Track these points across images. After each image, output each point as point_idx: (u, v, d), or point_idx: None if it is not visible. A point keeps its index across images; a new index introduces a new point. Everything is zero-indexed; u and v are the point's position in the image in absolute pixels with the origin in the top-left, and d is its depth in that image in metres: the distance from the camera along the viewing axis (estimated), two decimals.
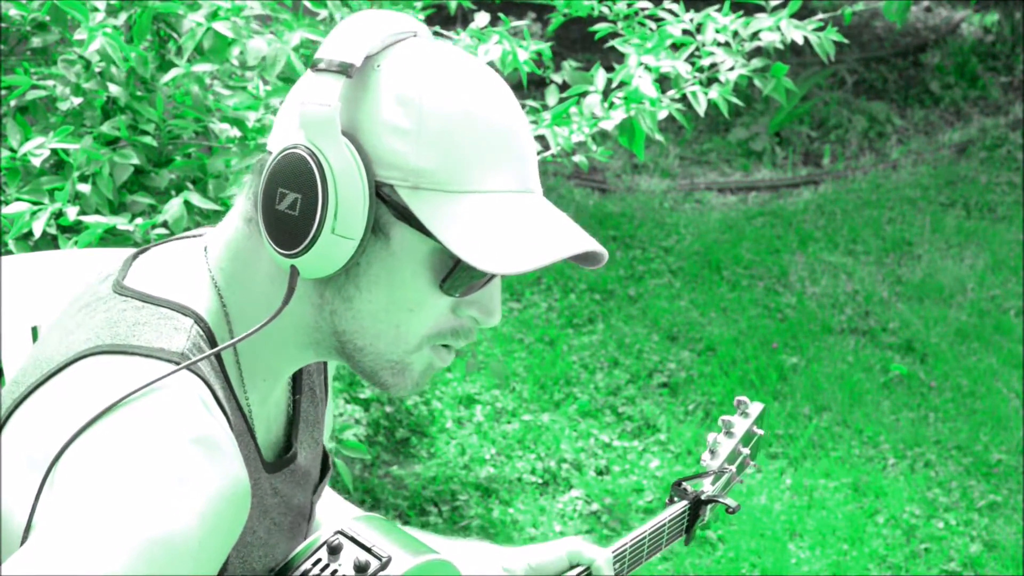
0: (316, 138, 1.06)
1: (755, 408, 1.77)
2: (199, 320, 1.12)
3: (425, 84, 1.08)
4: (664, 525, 1.60)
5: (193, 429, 1.02)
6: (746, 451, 1.72)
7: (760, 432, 1.77)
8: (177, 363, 1.06)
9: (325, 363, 1.37)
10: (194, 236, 1.23)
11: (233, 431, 1.09)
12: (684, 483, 1.64)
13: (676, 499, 1.63)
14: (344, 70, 1.06)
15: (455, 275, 1.10)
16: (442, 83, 1.09)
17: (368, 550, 1.20)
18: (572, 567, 1.49)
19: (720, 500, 1.63)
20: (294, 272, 1.09)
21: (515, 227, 1.08)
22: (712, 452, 1.68)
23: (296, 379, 1.30)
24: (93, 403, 1.02)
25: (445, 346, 1.16)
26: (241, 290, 1.15)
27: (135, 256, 1.20)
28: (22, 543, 1.00)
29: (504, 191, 1.09)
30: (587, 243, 1.11)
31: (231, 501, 1.01)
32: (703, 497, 1.63)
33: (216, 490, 0.99)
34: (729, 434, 1.71)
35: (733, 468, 1.68)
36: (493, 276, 1.13)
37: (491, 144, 1.09)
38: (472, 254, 1.06)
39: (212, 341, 1.12)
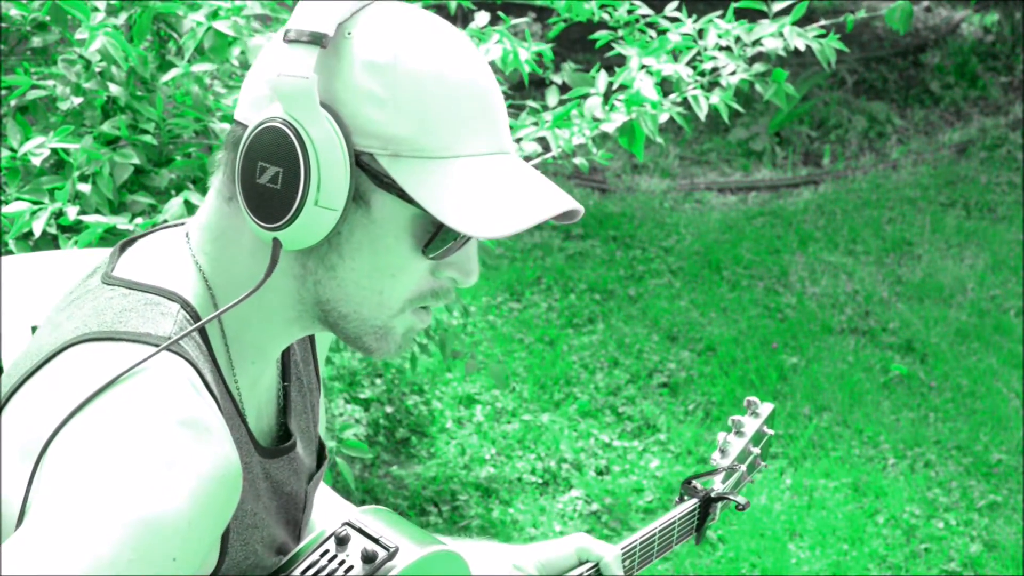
0: (295, 110, 1.06)
1: (765, 408, 1.76)
2: (185, 305, 1.13)
3: (397, 50, 1.08)
4: (674, 523, 1.60)
5: (181, 411, 1.02)
6: (756, 451, 1.71)
7: (771, 432, 1.76)
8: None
9: (314, 353, 1.37)
10: (176, 224, 1.24)
11: (223, 414, 1.09)
12: (694, 481, 1.63)
13: (686, 497, 1.62)
14: (317, 40, 1.06)
15: (438, 239, 1.11)
16: (414, 48, 1.09)
17: (376, 541, 1.21)
18: (581, 563, 1.49)
19: (730, 497, 1.62)
20: (277, 244, 1.09)
21: (497, 190, 1.09)
22: (722, 451, 1.67)
23: (284, 368, 1.30)
24: (81, 389, 1.03)
25: (423, 308, 1.17)
26: (225, 270, 1.15)
27: (122, 248, 1.21)
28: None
29: (482, 154, 1.10)
30: (566, 202, 1.12)
31: (221, 482, 1.01)
32: (713, 495, 1.62)
33: (206, 471, 1.00)
34: (739, 433, 1.70)
35: (743, 467, 1.67)
36: (470, 237, 1.14)
37: (466, 108, 1.09)
38: (460, 221, 1.06)
39: None
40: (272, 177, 1.07)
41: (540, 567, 1.49)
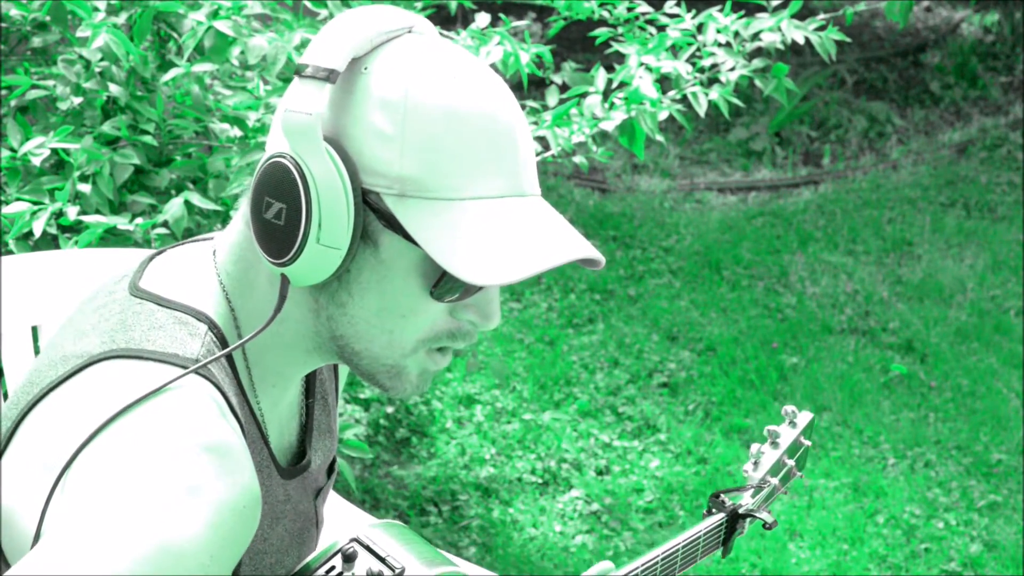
0: (299, 147, 1.04)
1: (803, 418, 1.72)
2: (212, 325, 1.12)
3: (410, 87, 1.06)
4: (699, 538, 1.56)
5: (206, 436, 1.01)
6: (791, 462, 1.67)
7: (807, 443, 1.71)
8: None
9: (336, 372, 1.36)
10: (207, 239, 1.23)
11: (246, 437, 1.08)
12: (722, 495, 1.60)
13: (714, 511, 1.60)
14: (327, 76, 1.04)
15: (444, 283, 1.08)
16: (428, 85, 1.06)
17: (382, 560, 1.19)
18: None
19: (757, 515, 1.59)
20: (284, 280, 1.09)
21: (503, 235, 1.06)
22: (755, 463, 1.62)
23: (309, 386, 1.29)
24: (106, 408, 1.02)
25: (440, 349, 1.15)
26: (246, 294, 1.14)
27: (151, 258, 1.20)
28: (33, 547, 1.00)
29: (494, 196, 1.07)
30: (576, 250, 1.08)
31: (241, 511, 1.01)
32: (740, 511, 1.60)
33: (227, 500, 0.99)
34: (774, 444, 1.65)
35: (776, 480, 1.64)
36: None
37: (479, 149, 1.06)
38: (457, 265, 1.04)
39: (225, 346, 1.12)
40: (277, 213, 1.06)
41: None
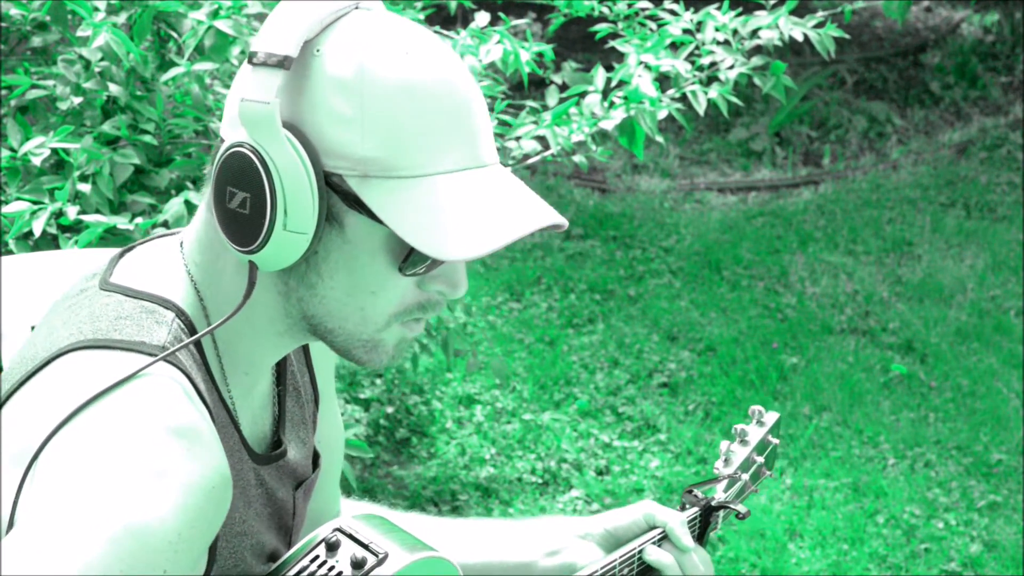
0: (258, 136, 1.05)
1: (770, 417, 1.74)
2: (180, 313, 1.13)
3: (365, 67, 1.06)
4: None
5: (173, 419, 1.02)
6: (760, 460, 1.69)
7: (775, 441, 1.74)
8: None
9: (309, 365, 1.37)
10: (174, 233, 1.24)
11: (216, 423, 1.09)
12: (695, 489, 1.62)
13: (687, 506, 1.62)
14: (281, 63, 1.04)
15: (412, 259, 1.09)
16: (382, 62, 1.06)
17: (365, 547, 1.21)
18: (649, 529, 1.49)
19: (731, 506, 1.61)
20: (253, 267, 1.09)
21: (468, 208, 1.07)
22: (726, 460, 1.65)
23: (280, 376, 1.30)
24: (73, 397, 1.02)
25: (415, 319, 1.16)
26: (214, 282, 1.15)
27: (121, 255, 1.21)
28: None
29: (455, 170, 1.08)
30: (539, 219, 1.09)
31: (211, 493, 1.01)
32: (714, 503, 1.61)
33: (196, 481, 1.00)
34: (743, 442, 1.68)
35: (747, 476, 1.66)
36: None
37: (438, 124, 1.07)
38: (424, 241, 1.05)
39: (193, 334, 1.13)
40: (241, 202, 1.07)
41: (608, 535, 1.48)
